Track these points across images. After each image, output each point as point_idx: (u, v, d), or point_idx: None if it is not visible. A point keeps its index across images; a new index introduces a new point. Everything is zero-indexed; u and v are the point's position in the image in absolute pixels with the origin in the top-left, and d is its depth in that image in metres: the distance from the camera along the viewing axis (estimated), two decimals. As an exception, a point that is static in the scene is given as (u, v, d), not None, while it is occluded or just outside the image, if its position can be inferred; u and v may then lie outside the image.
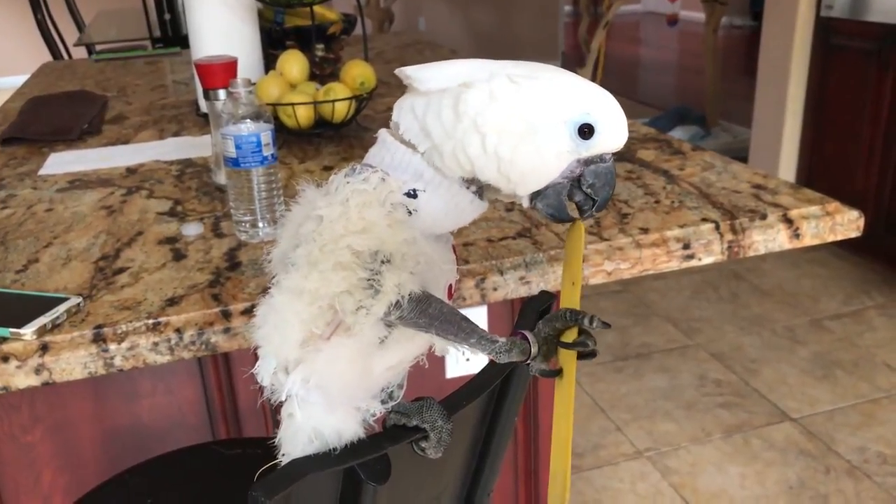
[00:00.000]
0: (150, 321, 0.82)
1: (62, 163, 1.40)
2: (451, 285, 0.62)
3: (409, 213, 0.56)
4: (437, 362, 1.24)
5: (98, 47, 3.71)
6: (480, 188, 0.60)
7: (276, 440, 0.60)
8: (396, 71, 0.59)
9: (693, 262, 1.00)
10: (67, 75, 2.30)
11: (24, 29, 3.82)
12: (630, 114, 0.61)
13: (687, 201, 1.08)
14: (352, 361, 0.56)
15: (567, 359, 0.59)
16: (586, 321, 0.57)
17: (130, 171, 1.34)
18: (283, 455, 0.59)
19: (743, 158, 3.27)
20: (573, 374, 0.58)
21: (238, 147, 0.96)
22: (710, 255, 1.00)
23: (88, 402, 1.10)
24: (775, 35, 3.19)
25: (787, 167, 3.23)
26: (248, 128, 0.97)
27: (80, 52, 4.16)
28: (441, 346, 0.61)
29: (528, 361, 0.60)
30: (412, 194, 0.57)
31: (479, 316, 1.22)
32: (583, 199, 0.59)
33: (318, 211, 0.55)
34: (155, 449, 1.08)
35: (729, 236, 1.00)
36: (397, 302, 0.53)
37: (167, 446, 1.08)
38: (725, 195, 1.10)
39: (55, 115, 1.67)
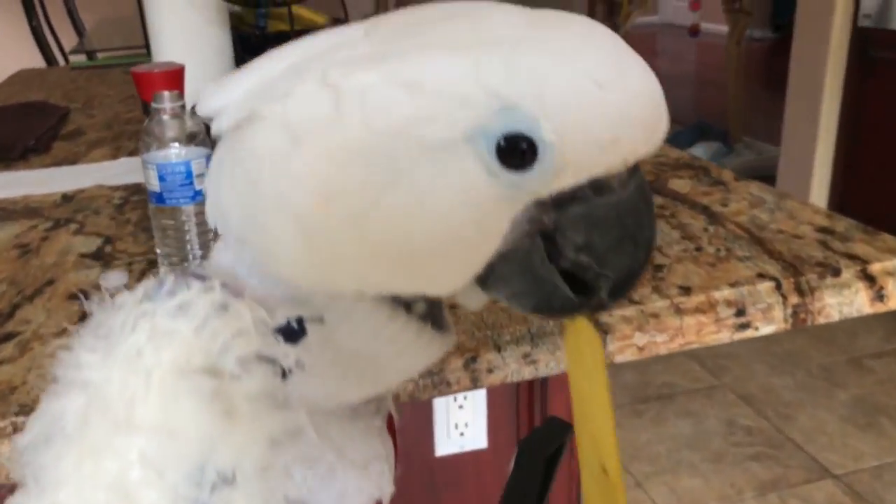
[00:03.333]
0: (21, 418, 0.60)
1: (-9, 187, 1.19)
2: (378, 502, 0.37)
3: (284, 373, 0.32)
4: (425, 437, 1.02)
5: (100, 55, 3.53)
6: (434, 307, 0.37)
7: None
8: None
9: (747, 333, 0.78)
10: (37, 84, 2.11)
11: (19, 35, 3.66)
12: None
13: (736, 249, 0.86)
14: None
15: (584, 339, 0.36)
16: None
17: (66, 198, 1.13)
18: None
19: (769, 178, 3.05)
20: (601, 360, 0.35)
21: (161, 179, 0.75)
22: (769, 323, 0.78)
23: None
24: (808, 46, 2.96)
25: (820, 189, 3.00)
26: (176, 154, 0.76)
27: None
28: None
29: None
30: (295, 329, 0.33)
31: (476, 401, 1.00)
32: (582, 272, 0.33)
33: (83, 371, 0.31)
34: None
35: (794, 299, 0.78)
36: None
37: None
38: (784, 241, 0.88)
39: (1, 131, 1.47)
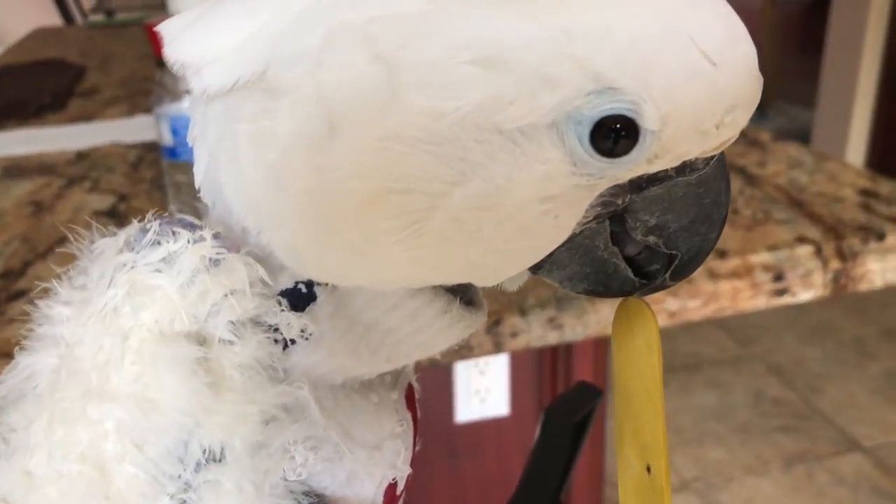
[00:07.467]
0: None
1: (7, 143, 1.18)
2: (392, 484, 0.33)
3: (287, 343, 0.28)
4: (445, 403, 1.00)
5: (119, 15, 3.51)
6: (465, 286, 0.32)
7: None
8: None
9: (785, 300, 0.74)
10: (53, 42, 2.09)
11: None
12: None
13: (774, 212, 0.82)
14: None
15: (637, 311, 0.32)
16: None
17: (81, 155, 1.11)
18: None
19: (803, 143, 2.96)
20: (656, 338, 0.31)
21: (174, 132, 0.73)
22: (808, 289, 0.74)
23: None
24: (848, 3, 2.86)
25: (856, 152, 2.91)
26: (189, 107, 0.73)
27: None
28: None
29: None
30: (303, 293, 0.29)
31: (498, 367, 0.97)
32: (645, 253, 0.30)
33: (56, 326, 0.27)
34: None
35: (835, 264, 0.74)
36: None
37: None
38: (824, 204, 0.83)
39: (16, 88, 1.45)
